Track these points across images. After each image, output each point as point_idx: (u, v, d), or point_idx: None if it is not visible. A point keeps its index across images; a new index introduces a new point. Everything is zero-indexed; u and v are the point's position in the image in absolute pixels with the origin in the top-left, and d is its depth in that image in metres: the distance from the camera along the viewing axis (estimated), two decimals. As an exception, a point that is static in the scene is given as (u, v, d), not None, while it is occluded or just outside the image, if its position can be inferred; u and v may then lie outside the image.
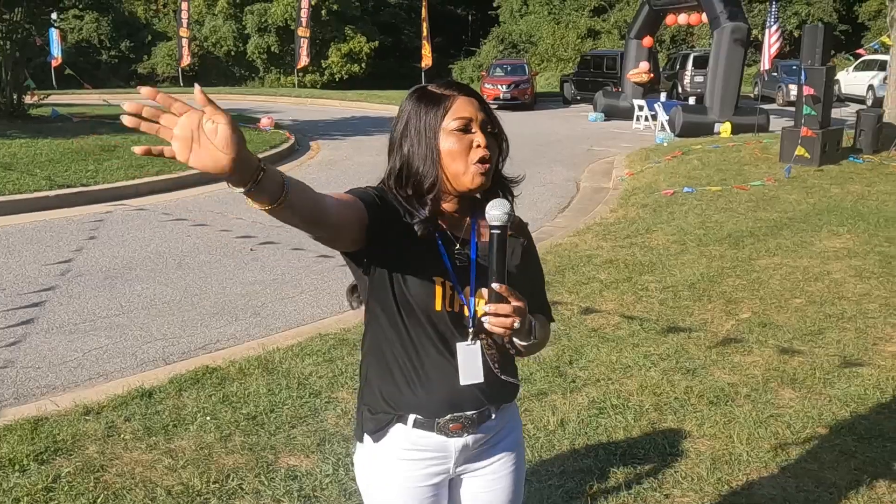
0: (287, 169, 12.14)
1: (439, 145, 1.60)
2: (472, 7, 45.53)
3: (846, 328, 4.98)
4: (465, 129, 1.60)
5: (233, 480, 3.17)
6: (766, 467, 3.29)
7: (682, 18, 18.76)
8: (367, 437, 1.71)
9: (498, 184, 1.69)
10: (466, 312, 1.63)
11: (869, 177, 10.57)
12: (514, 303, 1.49)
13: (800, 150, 10.99)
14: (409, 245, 1.60)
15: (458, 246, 1.65)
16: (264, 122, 15.94)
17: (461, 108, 1.61)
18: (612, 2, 37.55)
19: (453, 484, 1.79)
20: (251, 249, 7.22)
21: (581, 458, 3.34)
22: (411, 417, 1.65)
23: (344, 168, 12.22)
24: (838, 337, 4.83)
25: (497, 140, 1.65)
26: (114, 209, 8.81)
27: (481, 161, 1.59)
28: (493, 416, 1.71)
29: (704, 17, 17.64)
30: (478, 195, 1.65)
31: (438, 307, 1.61)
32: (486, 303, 1.50)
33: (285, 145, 13.62)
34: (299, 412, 3.79)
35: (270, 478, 3.19)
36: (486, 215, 1.52)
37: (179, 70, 33.81)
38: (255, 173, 1.21)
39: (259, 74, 37.55)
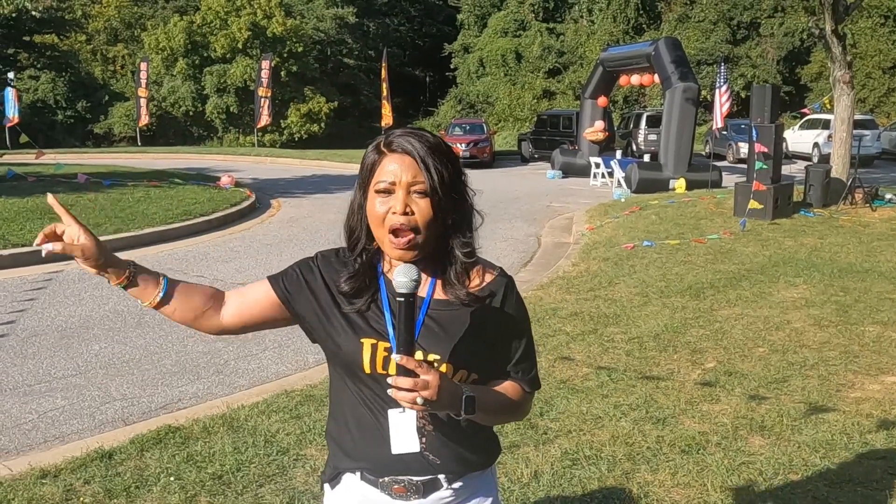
0: (249, 226, 12.06)
1: (366, 205, 1.53)
2: (429, 69, 46.47)
3: (809, 375, 5.05)
4: (388, 191, 1.48)
5: (199, 543, 3.05)
6: (742, 515, 3.28)
7: (635, 79, 19.34)
8: (326, 486, 1.71)
9: (442, 253, 1.56)
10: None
11: (820, 229, 10.87)
12: (423, 375, 1.38)
13: (753, 204, 11.28)
14: (340, 305, 1.58)
15: None
16: (224, 180, 15.91)
17: (385, 168, 1.48)
18: (567, 63, 38.63)
19: None
20: (213, 307, 7.09)
21: (557, 510, 3.30)
22: (358, 471, 1.63)
23: (305, 225, 12.18)
24: (803, 384, 4.89)
25: (440, 202, 1.48)
26: (67, 267, 8.63)
27: (394, 232, 1.48)
28: (445, 487, 1.59)
29: (656, 77, 18.21)
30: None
31: (367, 369, 1.55)
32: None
33: (246, 203, 13.56)
34: (267, 470, 3.69)
35: (238, 539, 3.08)
36: (393, 282, 1.42)
37: (137, 130, 33.70)
38: (125, 274, 1.56)
39: (218, 134, 37.61)
